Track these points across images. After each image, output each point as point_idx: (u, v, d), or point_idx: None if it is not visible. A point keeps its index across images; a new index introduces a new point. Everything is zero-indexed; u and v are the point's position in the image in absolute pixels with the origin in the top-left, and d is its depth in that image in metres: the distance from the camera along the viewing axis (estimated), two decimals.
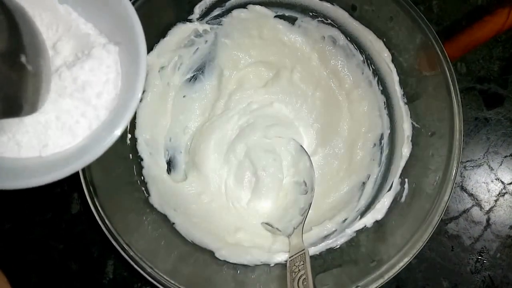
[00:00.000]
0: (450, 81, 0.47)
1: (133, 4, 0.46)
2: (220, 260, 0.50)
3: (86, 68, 0.35)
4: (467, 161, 0.61)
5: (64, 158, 0.34)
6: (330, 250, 0.50)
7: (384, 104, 0.54)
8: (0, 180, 0.32)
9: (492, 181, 0.61)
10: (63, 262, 0.57)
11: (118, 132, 0.34)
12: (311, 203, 0.52)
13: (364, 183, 0.54)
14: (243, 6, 0.54)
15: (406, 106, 0.51)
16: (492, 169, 0.61)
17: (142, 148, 0.52)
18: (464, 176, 0.61)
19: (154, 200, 0.51)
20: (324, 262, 0.50)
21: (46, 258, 0.58)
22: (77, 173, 0.44)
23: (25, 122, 0.34)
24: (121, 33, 0.36)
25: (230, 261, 0.50)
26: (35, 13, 0.35)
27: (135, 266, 0.45)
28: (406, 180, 0.50)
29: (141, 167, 0.52)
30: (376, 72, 0.54)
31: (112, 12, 0.35)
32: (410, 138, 0.51)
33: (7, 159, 0.34)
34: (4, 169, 0.34)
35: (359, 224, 0.50)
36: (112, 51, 0.36)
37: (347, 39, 0.54)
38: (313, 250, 0.50)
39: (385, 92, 0.54)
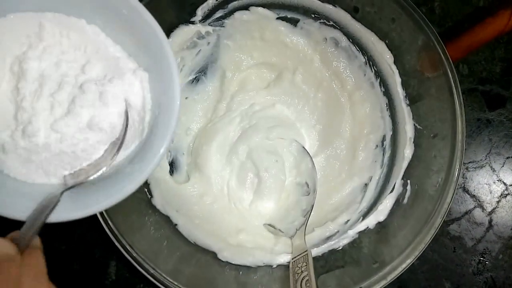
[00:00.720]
0: (452, 82, 0.47)
1: None
2: (223, 261, 0.50)
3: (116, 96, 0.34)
4: (469, 162, 0.61)
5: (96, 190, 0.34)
6: (332, 252, 0.50)
7: (386, 106, 0.54)
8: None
9: (494, 183, 0.61)
10: (66, 263, 0.57)
11: (151, 168, 0.33)
12: (313, 205, 0.52)
13: (366, 185, 0.54)
14: (245, 8, 0.55)
15: (408, 107, 0.51)
16: (494, 170, 0.61)
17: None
18: (466, 178, 0.61)
19: (157, 201, 0.51)
20: (326, 263, 0.50)
21: (49, 259, 0.58)
22: None
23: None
24: (149, 56, 0.35)
25: (233, 262, 0.50)
26: (63, 33, 0.34)
27: (138, 267, 0.45)
28: (409, 181, 0.50)
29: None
30: (378, 74, 0.54)
31: (141, 36, 0.34)
32: (413, 140, 0.51)
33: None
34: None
35: (361, 226, 0.50)
36: (143, 77, 0.35)
37: (349, 40, 0.54)
38: (315, 251, 0.50)
39: (387, 93, 0.54)
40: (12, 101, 0.34)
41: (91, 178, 0.33)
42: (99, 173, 0.34)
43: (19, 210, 0.32)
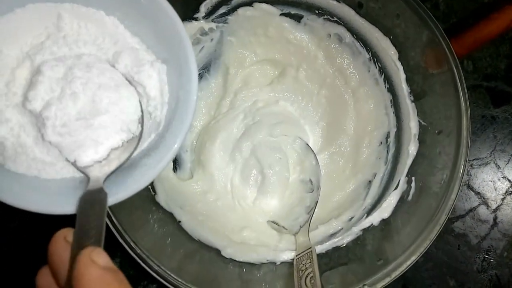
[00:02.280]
0: (457, 78, 0.46)
1: None
2: (226, 258, 0.50)
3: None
4: (474, 159, 0.61)
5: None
6: (336, 249, 0.50)
7: (391, 102, 0.54)
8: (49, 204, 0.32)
9: (499, 180, 0.61)
10: None
11: (165, 162, 0.32)
12: (317, 202, 0.52)
13: (370, 182, 0.54)
14: (249, 4, 0.54)
15: (413, 104, 0.51)
16: (499, 167, 0.61)
17: None
18: (470, 175, 0.60)
19: (161, 198, 0.51)
20: (330, 260, 0.50)
21: None
22: None
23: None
24: (167, 49, 0.34)
25: (236, 259, 0.50)
26: (81, 24, 0.34)
27: (142, 264, 0.45)
28: (413, 178, 0.50)
29: None
30: (383, 70, 0.54)
31: (160, 28, 0.34)
32: (417, 136, 0.51)
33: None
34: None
35: (365, 223, 0.50)
36: (161, 70, 0.35)
37: (353, 36, 0.54)
38: (319, 249, 0.50)
39: (391, 90, 0.53)
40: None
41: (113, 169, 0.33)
42: (120, 163, 0.33)
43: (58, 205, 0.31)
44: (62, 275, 0.26)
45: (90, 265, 0.24)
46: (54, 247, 0.27)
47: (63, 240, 0.27)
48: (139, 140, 0.34)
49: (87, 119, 0.32)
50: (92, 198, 0.29)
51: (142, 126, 0.34)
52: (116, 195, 0.32)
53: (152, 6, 0.33)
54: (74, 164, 0.32)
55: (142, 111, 0.34)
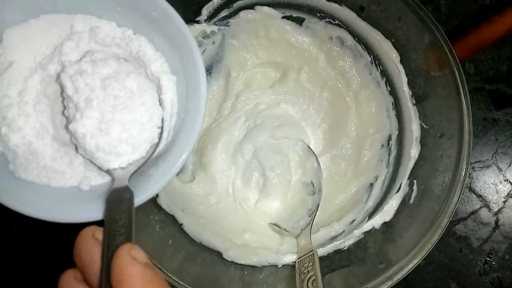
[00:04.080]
0: (459, 81, 0.46)
1: None
2: (228, 260, 0.50)
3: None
4: (475, 162, 0.61)
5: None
6: (338, 252, 0.50)
7: (392, 105, 0.54)
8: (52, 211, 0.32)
9: (500, 182, 0.61)
10: (71, 261, 0.57)
11: (176, 169, 0.33)
12: (318, 204, 0.52)
13: (372, 184, 0.54)
14: (251, 7, 0.55)
15: (415, 107, 0.51)
16: (500, 170, 0.61)
17: None
18: (472, 177, 0.60)
19: (162, 200, 0.51)
20: (331, 263, 0.50)
21: (54, 256, 0.58)
22: None
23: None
24: (176, 59, 0.35)
25: (238, 262, 0.50)
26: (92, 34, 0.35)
27: None
28: (415, 181, 0.50)
29: None
30: (384, 73, 0.54)
31: (169, 38, 0.34)
32: (419, 139, 0.51)
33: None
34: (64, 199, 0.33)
35: (367, 226, 0.50)
36: (171, 81, 0.35)
37: (355, 39, 0.54)
38: (321, 251, 0.50)
39: (393, 92, 0.53)
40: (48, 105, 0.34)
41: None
42: (142, 163, 0.33)
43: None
44: (93, 272, 0.26)
45: (131, 262, 0.24)
46: (83, 244, 0.27)
47: (91, 237, 0.27)
48: (157, 146, 0.34)
49: (121, 121, 0.32)
50: (119, 196, 0.30)
51: (162, 130, 0.34)
52: None
53: (162, 17, 0.33)
54: (99, 166, 0.33)
55: (163, 120, 0.35)
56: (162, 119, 0.34)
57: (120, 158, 0.32)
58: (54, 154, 0.34)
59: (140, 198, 0.32)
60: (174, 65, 0.35)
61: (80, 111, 0.31)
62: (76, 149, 0.33)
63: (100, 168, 0.33)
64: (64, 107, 0.33)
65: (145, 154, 0.33)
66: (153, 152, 0.34)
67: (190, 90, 0.34)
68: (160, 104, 0.35)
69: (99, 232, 0.27)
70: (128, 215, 0.28)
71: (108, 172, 0.32)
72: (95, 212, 0.31)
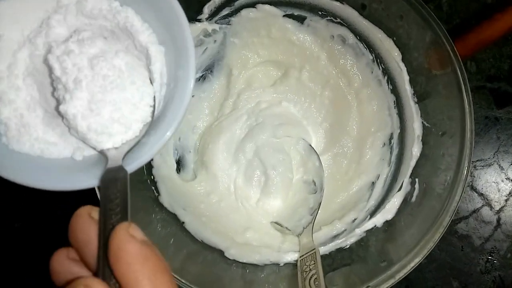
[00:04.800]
0: (461, 79, 0.46)
1: None
2: (229, 259, 0.50)
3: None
4: (477, 160, 0.61)
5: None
6: (339, 250, 0.50)
7: (394, 103, 0.54)
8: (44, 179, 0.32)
9: (502, 181, 0.60)
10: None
11: (167, 138, 0.33)
12: (320, 203, 0.52)
13: (373, 183, 0.54)
14: (252, 5, 0.54)
15: (416, 105, 0.51)
16: (502, 168, 0.61)
17: None
18: (474, 176, 0.60)
19: (164, 199, 0.51)
20: (333, 261, 0.50)
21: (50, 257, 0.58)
22: None
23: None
24: (164, 30, 0.34)
25: (239, 260, 0.50)
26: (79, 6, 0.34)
27: None
28: (417, 180, 0.50)
29: (151, 167, 0.52)
30: (386, 71, 0.54)
31: (157, 8, 0.34)
32: (421, 138, 0.51)
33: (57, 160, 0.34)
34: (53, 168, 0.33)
35: (369, 224, 0.50)
36: (159, 51, 0.35)
37: (357, 38, 0.54)
38: (322, 250, 0.50)
39: (395, 91, 0.53)
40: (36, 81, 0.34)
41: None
42: (135, 143, 0.33)
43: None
44: (90, 252, 0.26)
45: (128, 239, 0.24)
46: (79, 224, 0.26)
47: (87, 216, 0.26)
48: (150, 124, 0.34)
49: (112, 101, 0.32)
50: (113, 176, 0.30)
51: (154, 108, 0.34)
52: None
53: None
54: (92, 146, 0.32)
55: (155, 98, 0.34)
56: (154, 97, 0.34)
57: (113, 138, 0.32)
58: (46, 126, 0.34)
59: (131, 166, 0.32)
60: (162, 36, 0.35)
61: (70, 92, 0.31)
62: (69, 130, 0.33)
63: (93, 149, 0.33)
64: (54, 89, 0.33)
65: (139, 133, 0.33)
66: (147, 131, 0.33)
67: (179, 59, 0.34)
68: (150, 77, 0.34)
69: (95, 212, 0.27)
70: (123, 194, 0.28)
71: (101, 152, 0.32)
72: (89, 180, 0.31)
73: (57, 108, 0.33)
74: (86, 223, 0.26)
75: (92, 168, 0.32)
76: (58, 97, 0.32)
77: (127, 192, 0.28)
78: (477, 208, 0.59)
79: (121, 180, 0.29)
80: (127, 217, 0.27)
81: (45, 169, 0.33)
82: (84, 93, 0.31)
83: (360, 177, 0.55)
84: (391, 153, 0.54)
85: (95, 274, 0.25)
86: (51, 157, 0.34)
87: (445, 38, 0.47)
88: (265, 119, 0.58)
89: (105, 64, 0.32)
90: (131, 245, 0.24)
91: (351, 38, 0.54)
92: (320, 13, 0.54)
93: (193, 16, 0.53)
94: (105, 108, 0.31)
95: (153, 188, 0.52)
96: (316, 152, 0.56)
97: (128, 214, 0.27)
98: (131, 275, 0.23)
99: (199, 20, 0.54)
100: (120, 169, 0.30)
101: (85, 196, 0.59)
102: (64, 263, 0.27)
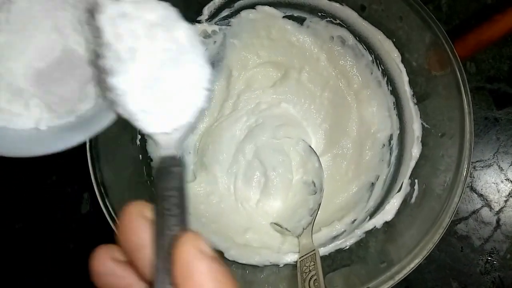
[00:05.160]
0: (460, 80, 0.46)
1: None
2: (229, 260, 0.50)
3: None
4: (476, 161, 0.61)
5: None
6: (339, 251, 0.50)
7: (394, 104, 0.54)
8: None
9: (502, 182, 0.60)
10: (73, 261, 0.58)
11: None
12: (320, 204, 0.52)
13: (373, 184, 0.54)
14: (252, 6, 0.55)
15: (416, 106, 0.51)
16: (502, 169, 0.61)
17: (152, 149, 0.53)
18: (473, 177, 0.60)
19: None
20: (333, 262, 0.50)
21: (56, 258, 0.58)
22: (87, 173, 0.44)
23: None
24: None
25: (239, 261, 0.50)
26: None
27: None
28: (416, 181, 0.50)
29: (151, 168, 0.52)
30: (385, 72, 0.54)
31: None
32: (420, 139, 0.51)
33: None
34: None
35: (368, 225, 0.50)
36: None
37: (356, 39, 0.54)
38: (322, 251, 0.50)
39: (394, 92, 0.53)
40: None
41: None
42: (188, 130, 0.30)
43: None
44: (143, 258, 0.23)
45: (199, 256, 0.21)
46: (129, 223, 0.23)
47: (139, 215, 0.23)
48: (204, 110, 0.30)
49: (167, 80, 0.28)
50: (167, 168, 0.26)
51: (210, 92, 0.30)
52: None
53: None
54: (140, 128, 0.29)
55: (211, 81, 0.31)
56: (210, 80, 0.30)
57: (163, 122, 0.28)
58: (10, 97, 0.32)
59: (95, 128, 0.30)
60: None
61: (122, 63, 0.27)
62: (113, 106, 0.29)
63: (141, 131, 0.29)
64: (98, 55, 0.28)
65: (192, 119, 0.29)
66: (200, 117, 0.30)
67: None
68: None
69: (147, 210, 0.23)
70: (180, 192, 0.24)
71: (150, 136, 0.29)
72: (55, 146, 0.30)
73: (100, 78, 0.29)
74: (138, 223, 0.23)
75: (58, 137, 0.31)
76: (104, 66, 0.28)
77: (184, 189, 0.25)
78: (476, 209, 0.59)
79: (176, 175, 0.25)
80: (186, 221, 0.24)
81: (10, 139, 0.31)
82: (138, 67, 0.27)
83: (360, 178, 0.55)
84: (390, 154, 0.54)
85: (149, 283, 0.23)
86: (16, 127, 0.32)
87: (445, 39, 0.47)
88: (265, 120, 0.58)
89: (165, 35, 0.27)
90: (201, 263, 0.21)
91: (350, 39, 0.55)
92: (319, 14, 0.54)
93: (193, 17, 0.53)
94: (159, 87, 0.28)
95: (153, 189, 0.52)
96: (316, 153, 0.56)
97: (186, 217, 0.24)
98: None
99: (199, 21, 0.54)
100: (175, 160, 0.26)
101: (85, 198, 0.59)
102: (107, 265, 0.24)
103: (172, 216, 0.23)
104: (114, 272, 0.24)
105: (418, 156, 0.51)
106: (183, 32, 0.28)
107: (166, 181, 0.25)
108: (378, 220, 0.50)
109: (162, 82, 0.27)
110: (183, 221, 0.23)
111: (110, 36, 0.27)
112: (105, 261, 0.24)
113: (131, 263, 0.24)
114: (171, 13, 0.28)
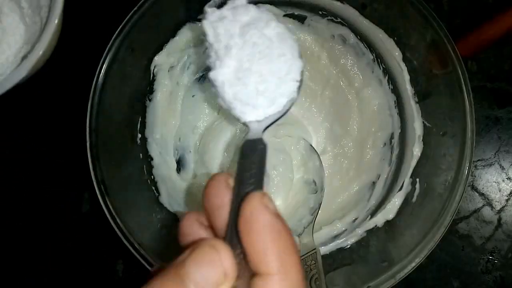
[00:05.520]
0: (462, 79, 0.46)
1: (143, 3, 0.47)
2: None
3: None
4: (478, 160, 0.61)
5: None
6: (340, 250, 0.50)
7: (395, 103, 0.54)
8: None
9: (503, 181, 0.60)
10: (73, 261, 0.57)
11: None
12: (321, 203, 0.52)
13: (374, 183, 0.54)
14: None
15: (417, 105, 0.51)
16: (503, 168, 0.61)
17: (152, 148, 0.52)
18: (475, 176, 0.60)
19: (164, 199, 0.51)
20: (334, 261, 0.50)
21: (56, 257, 0.58)
22: (88, 172, 0.44)
23: None
24: None
25: None
26: None
27: (146, 265, 0.45)
28: (417, 180, 0.50)
29: (151, 167, 0.52)
30: (387, 71, 0.54)
31: None
32: (421, 138, 0.51)
33: None
34: None
35: (369, 224, 0.50)
36: None
37: (357, 37, 0.54)
38: (323, 250, 0.50)
39: (395, 91, 0.53)
40: None
41: None
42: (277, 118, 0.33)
43: None
44: (221, 217, 0.26)
45: (262, 209, 0.23)
46: (214, 188, 0.26)
47: (224, 182, 0.26)
48: (294, 101, 0.33)
49: (259, 72, 0.31)
50: (252, 147, 0.30)
51: (301, 83, 0.33)
52: None
53: None
54: (236, 116, 0.33)
55: (302, 73, 0.34)
56: (302, 72, 0.33)
57: (256, 110, 0.32)
58: None
59: None
60: None
61: (220, 59, 0.31)
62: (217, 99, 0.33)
63: (238, 120, 0.33)
64: (208, 57, 0.33)
65: (282, 108, 0.32)
66: (290, 107, 0.33)
67: None
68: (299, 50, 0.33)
69: (231, 179, 0.27)
70: (259, 165, 0.28)
71: (244, 124, 0.33)
72: None
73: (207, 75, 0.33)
74: (221, 188, 0.26)
75: None
76: (210, 64, 0.32)
77: (264, 164, 0.28)
78: (478, 208, 0.59)
79: (259, 152, 0.29)
80: (262, 187, 0.27)
81: None
82: (233, 61, 0.31)
83: (361, 177, 0.55)
84: (391, 153, 0.54)
85: (223, 239, 0.25)
86: None
87: (446, 38, 0.47)
88: None
89: (255, 32, 0.31)
90: (264, 215, 0.23)
91: (351, 38, 0.54)
92: (320, 12, 0.54)
93: (193, 15, 0.53)
94: (251, 78, 0.31)
95: (154, 188, 0.52)
96: (317, 152, 0.56)
97: (262, 185, 0.27)
98: (260, 246, 0.22)
99: (200, 20, 0.54)
100: (260, 141, 0.30)
101: (85, 197, 0.59)
102: (193, 226, 0.27)
103: (249, 184, 0.27)
104: (198, 232, 0.27)
105: (419, 155, 0.51)
106: (272, 30, 0.32)
107: (250, 157, 0.29)
108: (379, 219, 0.50)
109: (252, 74, 0.31)
110: (260, 187, 0.26)
111: (211, 38, 0.31)
112: (192, 224, 0.27)
113: (211, 224, 0.27)
114: (263, 15, 0.32)
